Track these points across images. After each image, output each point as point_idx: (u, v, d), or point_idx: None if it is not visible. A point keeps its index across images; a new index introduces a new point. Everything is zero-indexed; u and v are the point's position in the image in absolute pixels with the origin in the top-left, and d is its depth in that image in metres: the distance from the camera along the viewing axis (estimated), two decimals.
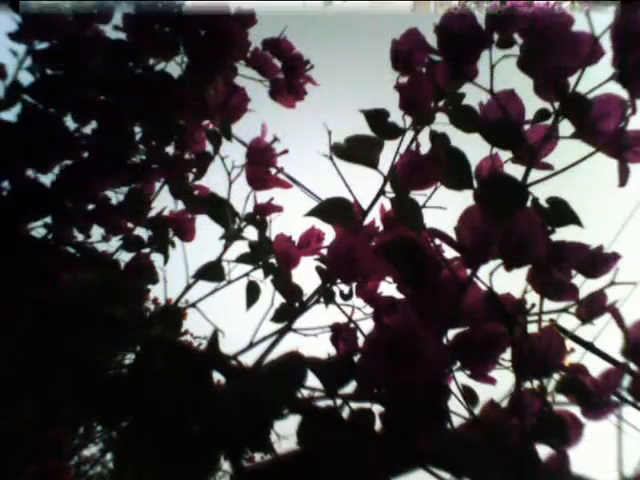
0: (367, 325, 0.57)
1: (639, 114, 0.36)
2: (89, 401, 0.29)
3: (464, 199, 0.37)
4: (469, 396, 0.39)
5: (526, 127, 0.40)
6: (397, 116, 0.47)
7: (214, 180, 0.62)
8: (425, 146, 0.46)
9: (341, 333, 0.52)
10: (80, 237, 0.58)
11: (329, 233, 0.57)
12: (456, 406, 0.36)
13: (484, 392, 0.39)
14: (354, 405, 0.33)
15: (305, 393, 0.34)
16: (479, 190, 0.36)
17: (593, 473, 0.27)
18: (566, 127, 0.38)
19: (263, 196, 0.60)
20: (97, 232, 0.59)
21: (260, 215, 0.60)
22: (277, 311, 0.53)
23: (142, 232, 0.62)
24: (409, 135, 0.48)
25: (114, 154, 0.54)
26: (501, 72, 0.38)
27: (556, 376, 0.38)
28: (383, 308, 0.46)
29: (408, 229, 0.43)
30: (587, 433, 0.38)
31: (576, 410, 0.38)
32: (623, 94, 0.36)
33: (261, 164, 0.59)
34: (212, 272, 0.56)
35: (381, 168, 0.47)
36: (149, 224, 0.62)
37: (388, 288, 0.53)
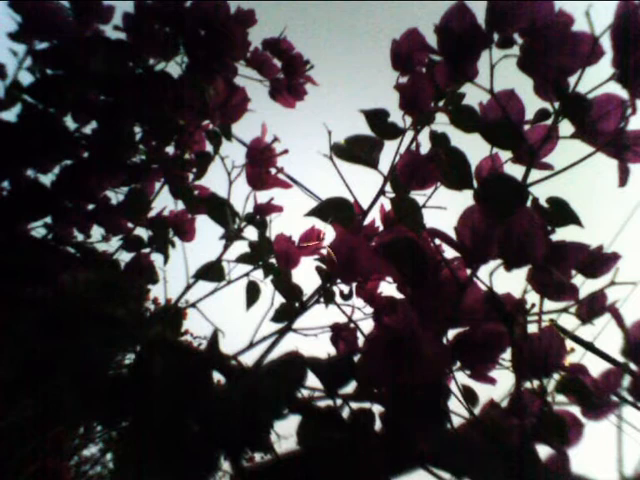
0: (367, 325, 0.57)
1: (639, 114, 0.36)
2: (89, 401, 0.29)
3: (464, 199, 0.37)
4: (469, 396, 0.39)
5: (526, 127, 0.40)
6: (397, 116, 0.47)
7: (214, 180, 0.62)
8: (425, 146, 0.46)
9: (341, 333, 0.52)
10: (80, 237, 0.58)
11: (329, 233, 0.57)
12: (456, 406, 0.36)
13: (484, 392, 0.39)
14: (354, 405, 0.33)
15: (305, 393, 0.34)
16: (479, 190, 0.36)
17: (593, 473, 0.27)
18: (566, 127, 0.38)
19: (263, 196, 0.61)
20: (97, 232, 0.59)
21: (260, 215, 0.60)
22: (277, 311, 0.53)
23: (142, 232, 0.63)
24: (409, 135, 0.48)
25: (114, 154, 0.54)
26: (501, 72, 0.38)
27: (556, 376, 0.38)
28: (383, 308, 0.46)
29: (408, 229, 0.43)
30: (587, 433, 0.38)
31: (576, 410, 0.38)
32: (623, 94, 0.36)
33: (261, 164, 0.59)
34: (212, 272, 0.56)
35: (381, 168, 0.47)
36: (149, 224, 0.62)
37: (388, 288, 0.53)
